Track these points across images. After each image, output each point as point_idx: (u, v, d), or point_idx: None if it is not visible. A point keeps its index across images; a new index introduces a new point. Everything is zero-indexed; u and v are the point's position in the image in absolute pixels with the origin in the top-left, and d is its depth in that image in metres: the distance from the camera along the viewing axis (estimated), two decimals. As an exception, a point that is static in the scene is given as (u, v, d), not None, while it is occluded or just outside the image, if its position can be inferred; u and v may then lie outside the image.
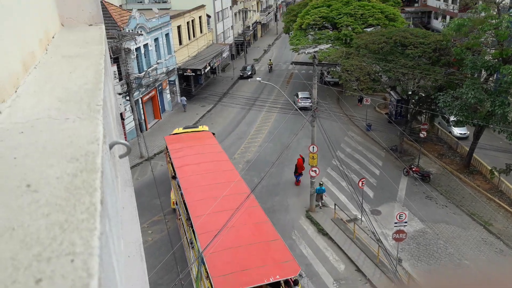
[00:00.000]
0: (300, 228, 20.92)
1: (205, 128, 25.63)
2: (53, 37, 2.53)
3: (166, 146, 22.59)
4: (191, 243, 15.73)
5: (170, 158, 21.17)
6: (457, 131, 29.59)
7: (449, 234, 20.48)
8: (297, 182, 24.75)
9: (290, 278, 12.47)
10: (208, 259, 12.43)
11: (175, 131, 25.17)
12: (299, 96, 37.30)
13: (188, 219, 15.68)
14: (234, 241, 12.99)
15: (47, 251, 0.81)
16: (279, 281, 12.39)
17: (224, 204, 15.08)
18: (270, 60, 51.29)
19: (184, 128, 25.85)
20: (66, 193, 1.00)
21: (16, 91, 1.67)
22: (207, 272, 12.23)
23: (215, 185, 17.02)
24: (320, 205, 22.24)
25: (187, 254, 17.46)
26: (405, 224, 17.49)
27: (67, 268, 0.78)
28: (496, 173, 23.67)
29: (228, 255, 12.40)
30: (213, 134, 24.90)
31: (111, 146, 1.63)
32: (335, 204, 21.79)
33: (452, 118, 23.76)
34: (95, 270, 0.77)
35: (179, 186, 18.23)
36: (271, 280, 11.50)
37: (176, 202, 20.32)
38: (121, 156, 2.16)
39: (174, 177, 20.21)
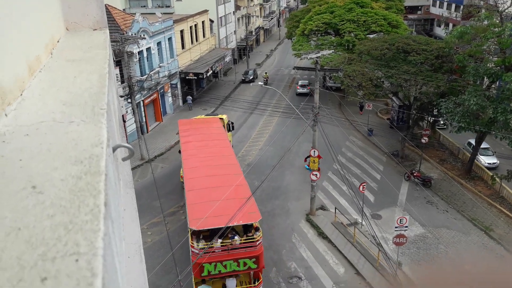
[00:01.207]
0: (300, 231, 20.90)
1: (224, 116, 28.08)
2: (58, 41, 2.56)
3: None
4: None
5: (179, 136, 24.79)
6: (486, 160, 27.06)
7: (450, 239, 20.44)
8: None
9: (254, 223, 16.04)
10: (189, 208, 16.14)
11: (198, 117, 29.32)
12: (299, 83, 41.01)
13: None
14: (215, 196, 16.23)
15: (52, 251, 0.84)
16: (247, 228, 16.19)
17: (214, 170, 18.90)
18: (265, 73, 47.20)
19: (206, 115, 30.25)
20: (70, 195, 1.03)
21: (21, 94, 1.70)
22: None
23: (210, 156, 20.41)
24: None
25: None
26: (406, 228, 17.48)
27: (72, 267, 0.80)
28: (497, 179, 23.63)
29: (206, 206, 15.62)
30: (232, 123, 28.51)
31: (114, 149, 1.66)
32: (335, 208, 21.78)
33: (454, 124, 23.63)
34: (99, 270, 0.80)
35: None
36: (235, 224, 15.06)
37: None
38: (124, 159, 2.18)
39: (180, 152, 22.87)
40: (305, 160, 26.01)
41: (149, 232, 20.68)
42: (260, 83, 32.32)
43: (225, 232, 15.23)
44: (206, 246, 15.34)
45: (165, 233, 19.21)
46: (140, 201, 20.28)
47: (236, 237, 15.66)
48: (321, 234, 20.57)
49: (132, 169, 25.36)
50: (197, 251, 15.21)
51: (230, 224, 14.93)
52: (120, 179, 2.12)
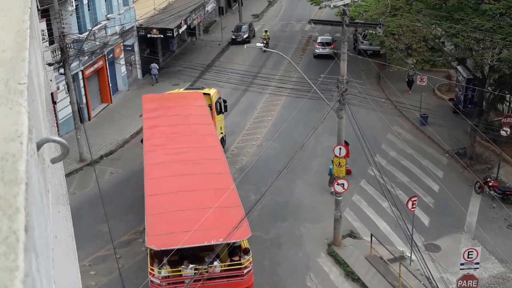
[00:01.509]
0: (319, 269, 20.95)
1: (211, 91, 28.60)
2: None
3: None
4: None
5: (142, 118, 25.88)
6: None
7: (542, 282, 20.56)
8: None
9: (242, 243, 16.79)
10: (149, 219, 16.54)
11: (174, 91, 30.47)
12: (317, 40, 41.94)
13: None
14: (187, 204, 16.98)
15: None
16: (235, 249, 16.81)
17: (189, 168, 19.71)
18: (265, 31, 47.48)
19: (185, 89, 31.44)
20: (-27, 215, 1.02)
21: None
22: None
23: (184, 148, 21.24)
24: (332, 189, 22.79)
25: None
26: (477, 266, 17.51)
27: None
28: None
29: (174, 217, 16.44)
30: (224, 101, 29.21)
31: (39, 146, 1.65)
32: (371, 235, 21.82)
33: None
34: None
35: None
36: (212, 242, 15.29)
37: None
38: (54, 161, 2.17)
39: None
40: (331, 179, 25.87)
41: (92, 271, 20.65)
42: (259, 44, 32.27)
43: (200, 255, 15.52)
44: (172, 274, 15.71)
45: (116, 272, 19.22)
46: (79, 224, 20.27)
47: (216, 263, 15.98)
48: (350, 274, 20.62)
49: (67, 175, 25.29)
50: (158, 281, 15.51)
51: (207, 243, 15.19)
52: (48, 191, 2.11)
